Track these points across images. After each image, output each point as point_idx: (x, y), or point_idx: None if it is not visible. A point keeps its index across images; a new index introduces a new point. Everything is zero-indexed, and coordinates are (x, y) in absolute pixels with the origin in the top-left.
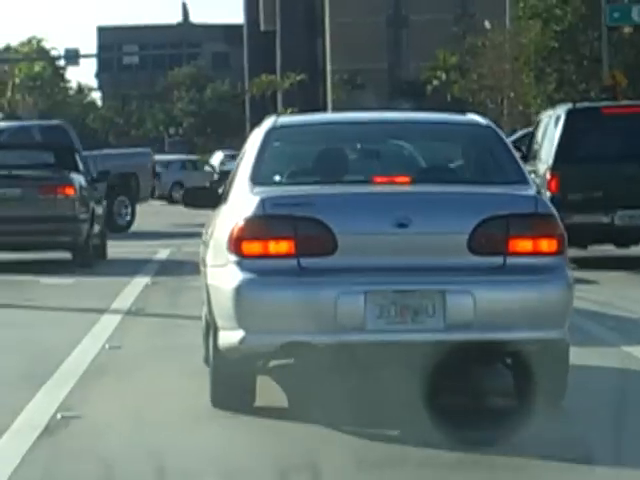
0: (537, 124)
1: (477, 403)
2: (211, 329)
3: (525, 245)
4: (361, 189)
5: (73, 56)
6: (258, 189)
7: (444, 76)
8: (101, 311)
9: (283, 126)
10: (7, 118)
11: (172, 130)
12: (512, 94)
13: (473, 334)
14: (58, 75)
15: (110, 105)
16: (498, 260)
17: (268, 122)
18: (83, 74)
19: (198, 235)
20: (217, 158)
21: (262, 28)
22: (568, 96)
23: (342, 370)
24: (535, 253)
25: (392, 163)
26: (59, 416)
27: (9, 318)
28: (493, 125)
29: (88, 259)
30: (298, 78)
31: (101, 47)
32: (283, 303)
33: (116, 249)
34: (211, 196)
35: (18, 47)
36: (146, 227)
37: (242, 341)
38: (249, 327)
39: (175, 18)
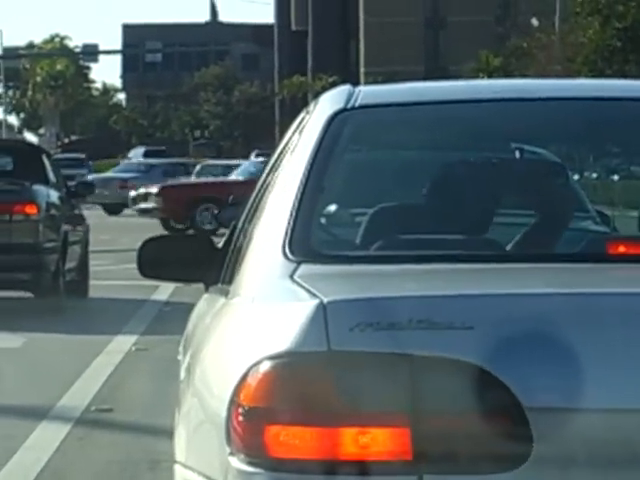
0: None
1: None
2: None
3: None
4: (586, 283)
5: (92, 52)
6: (307, 271)
7: (487, 79)
8: (39, 416)
9: (366, 107)
10: (29, 119)
11: (197, 133)
12: None
13: None
14: (81, 75)
15: (134, 106)
16: None
17: (333, 98)
18: (109, 75)
19: None
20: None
21: (293, 28)
22: None
23: None
24: None
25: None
26: None
27: None
28: None
29: (56, 302)
30: (330, 80)
31: (126, 45)
32: None
33: (107, 282)
34: (196, 259)
35: (41, 44)
36: None
37: None
38: None
39: (203, 17)
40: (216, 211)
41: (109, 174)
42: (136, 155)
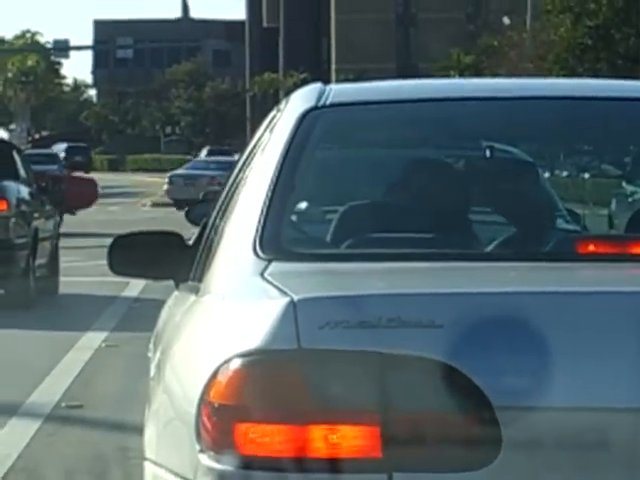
0: None
1: None
2: None
3: None
4: (556, 281)
5: (63, 47)
6: (278, 269)
7: (458, 77)
8: (9, 412)
9: (337, 105)
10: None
11: (169, 129)
12: None
13: None
14: (52, 71)
15: (105, 102)
16: None
17: (304, 96)
18: (80, 71)
19: None
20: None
21: (265, 25)
22: None
23: None
24: None
25: (597, 197)
26: None
27: None
28: None
29: (27, 298)
30: (301, 77)
31: (97, 41)
32: None
33: (78, 278)
34: (166, 256)
35: (12, 40)
36: None
37: None
38: None
39: (174, 13)
40: None
41: (192, 171)
42: (57, 151)
